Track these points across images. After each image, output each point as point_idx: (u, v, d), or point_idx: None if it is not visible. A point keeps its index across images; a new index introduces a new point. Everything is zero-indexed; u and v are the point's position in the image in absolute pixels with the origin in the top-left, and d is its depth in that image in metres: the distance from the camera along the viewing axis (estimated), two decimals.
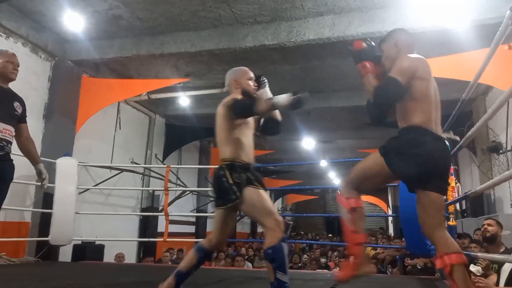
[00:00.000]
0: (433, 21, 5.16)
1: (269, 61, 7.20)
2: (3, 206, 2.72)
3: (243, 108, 2.35)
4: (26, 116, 2.94)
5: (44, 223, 5.40)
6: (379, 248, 7.45)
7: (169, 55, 6.40)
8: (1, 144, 2.61)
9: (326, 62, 7.12)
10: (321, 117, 9.79)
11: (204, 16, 5.74)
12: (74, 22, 5.53)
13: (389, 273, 6.23)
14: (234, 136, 2.40)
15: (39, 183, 3.01)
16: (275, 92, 8.00)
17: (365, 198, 18.85)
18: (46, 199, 5.49)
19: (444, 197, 2.23)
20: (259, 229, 15.11)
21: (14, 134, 2.76)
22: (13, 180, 2.77)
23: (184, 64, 7.33)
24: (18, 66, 2.87)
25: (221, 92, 8.22)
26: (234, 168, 2.30)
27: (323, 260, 7.90)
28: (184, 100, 8.42)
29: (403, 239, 5.99)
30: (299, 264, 7.12)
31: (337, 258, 7.78)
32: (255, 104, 2.26)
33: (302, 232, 16.92)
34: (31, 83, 5.86)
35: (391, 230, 17.00)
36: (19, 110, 2.82)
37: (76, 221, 5.19)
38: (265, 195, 2.33)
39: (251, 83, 2.61)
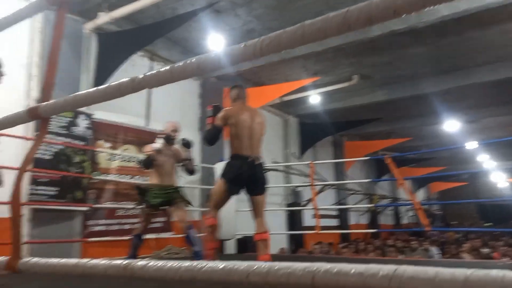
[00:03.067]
0: None
1: (398, 47, 6.97)
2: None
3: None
4: None
5: None
6: None
7: (297, 57, 6.72)
8: None
9: (464, 36, 6.58)
10: (463, 95, 8.99)
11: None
12: (216, 42, 6.23)
13: None
14: None
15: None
16: (407, 77, 7.63)
17: None
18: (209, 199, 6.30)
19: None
20: (405, 221, 14.51)
21: None
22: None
23: (312, 63, 7.57)
24: None
25: (350, 85, 8.24)
26: None
27: (485, 250, 7.24)
28: (314, 98, 8.68)
29: None
30: (457, 255, 6.68)
31: (505, 247, 6.99)
32: None
33: (456, 222, 15.57)
34: (186, 101, 6.80)
35: None
36: None
37: (237, 218, 5.83)
38: None
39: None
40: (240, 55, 0.64)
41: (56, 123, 4.73)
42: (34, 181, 4.35)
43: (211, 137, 3.24)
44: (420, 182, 16.61)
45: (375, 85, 8.72)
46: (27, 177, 4.28)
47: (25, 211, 4.22)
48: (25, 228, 4.15)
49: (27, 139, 4.33)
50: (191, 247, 3.74)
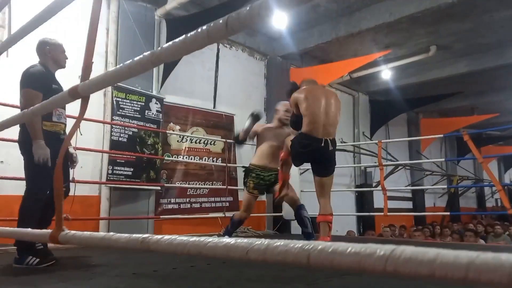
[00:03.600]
0: None
1: (481, 11, 6.29)
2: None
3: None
4: None
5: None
6: None
7: (367, 30, 6.37)
8: (65, 130, 2.76)
9: None
10: None
11: None
12: (279, 20, 6.12)
13: None
14: None
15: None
16: (492, 45, 6.89)
17: None
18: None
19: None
20: (489, 203, 13.40)
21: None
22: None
23: (383, 36, 7.14)
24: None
25: (426, 57, 7.66)
26: None
27: None
28: (386, 73, 8.22)
29: None
30: None
31: None
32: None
33: None
34: (252, 83, 6.84)
35: None
36: None
37: (302, 199, 5.80)
38: None
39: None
40: (249, 17, 0.60)
41: (130, 107, 5.04)
42: (112, 162, 4.71)
43: (294, 125, 3.25)
44: (509, 162, 15.12)
45: (456, 56, 8.01)
46: (106, 158, 4.64)
47: (104, 190, 4.60)
48: (104, 206, 4.53)
49: (103, 122, 4.68)
50: (302, 228, 3.75)
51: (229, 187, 5.76)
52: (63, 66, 2.80)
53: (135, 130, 5.00)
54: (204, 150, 6.00)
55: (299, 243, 0.48)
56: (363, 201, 8.39)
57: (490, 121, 10.84)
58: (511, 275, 0.32)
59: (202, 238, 0.60)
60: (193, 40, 0.67)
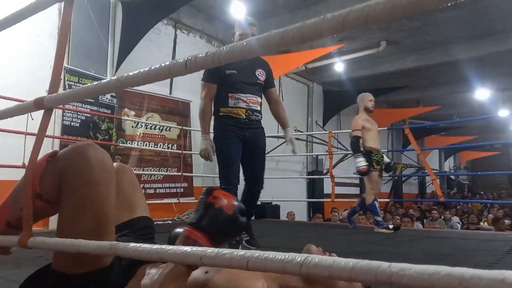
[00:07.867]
0: None
1: (429, 10, 6.68)
2: None
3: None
4: (272, 81, 3.01)
5: None
6: None
7: None
8: (247, 113, 2.78)
9: None
10: (497, 62, 8.60)
11: None
12: (237, 9, 6.15)
13: None
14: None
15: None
16: (438, 42, 7.32)
17: None
18: None
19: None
20: (429, 190, 14.39)
21: (260, 102, 2.86)
22: None
23: None
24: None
25: (377, 52, 8.02)
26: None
27: (507, 221, 7.17)
28: (339, 66, 8.53)
29: None
30: (477, 225, 6.67)
31: None
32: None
33: (482, 192, 15.30)
34: None
35: None
36: (262, 78, 2.90)
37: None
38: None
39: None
40: (204, 61, 0.71)
41: None
42: (64, 147, 4.61)
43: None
44: (449, 151, 16.24)
45: (404, 51, 8.46)
46: (57, 143, 4.55)
47: None
48: None
49: (55, 107, 4.57)
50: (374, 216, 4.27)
51: (184, 173, 5.83)
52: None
53: (88, 115, 4.92)
54: (159, 136, 6.01)
55: (241, 252, 0.62)
56: (314, 187, 8.76)
57: (433, 113, 11.60)
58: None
59: (163, 246, 0.72)
60: (156, 73, 0.78)
